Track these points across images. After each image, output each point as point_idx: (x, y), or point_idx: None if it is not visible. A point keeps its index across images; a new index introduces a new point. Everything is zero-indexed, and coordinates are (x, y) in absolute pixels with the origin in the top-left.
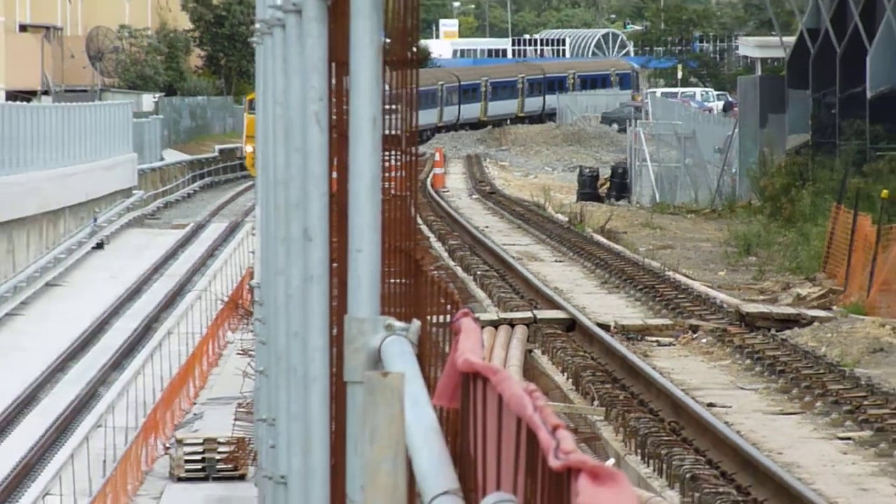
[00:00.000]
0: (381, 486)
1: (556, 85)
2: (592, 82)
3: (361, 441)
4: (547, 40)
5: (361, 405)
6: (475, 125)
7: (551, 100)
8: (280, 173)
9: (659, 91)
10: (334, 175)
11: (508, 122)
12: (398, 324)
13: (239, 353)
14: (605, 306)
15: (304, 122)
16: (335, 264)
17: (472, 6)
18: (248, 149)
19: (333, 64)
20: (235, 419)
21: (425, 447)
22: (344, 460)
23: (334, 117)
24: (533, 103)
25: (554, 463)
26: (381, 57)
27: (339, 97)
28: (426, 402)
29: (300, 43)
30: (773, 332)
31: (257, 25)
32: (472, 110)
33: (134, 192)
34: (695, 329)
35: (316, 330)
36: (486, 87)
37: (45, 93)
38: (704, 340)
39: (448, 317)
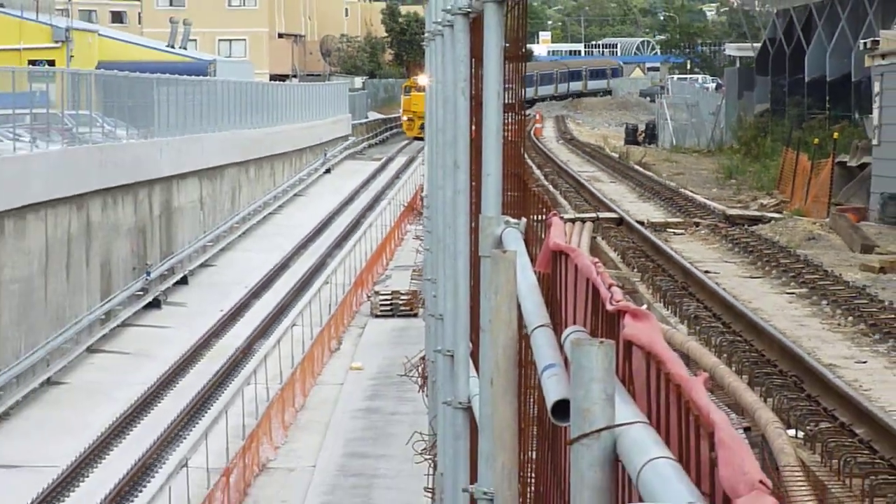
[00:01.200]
0: (501, 321)
1: (597, 74)
2: (601, 73)
3: (489, 293)
4: (605, 45)
5: (490, 271)
6: (560, 97)
7: (593, 83)
8: (440, 125)
9: (675, 77)
10: (473, 127)
11: (577, 97)
12: (513, 220)
13: (414, 238)
14: (641, 210)
15: (455, 94)
16: (473, 182)
17: (560, 23)
18: (404, 118)
19: (473, 59)
20: (412, 279)
21: (529, 296)
22: (479, 304)
23: (473, 91)
24: (592, 84)
25: (609, 307)
26: (502, 54)
27: (476, 79)
28: (530, 269)
29: (453, 45)
30: (745, 226)
31: (426, 34)
32: (560, 88)
33: (349, 137)
34: (696, 224)
35: (461, 224)
36: (565, 74)
37: (294, 76)
38: (703, 231)
39: (543, 216)
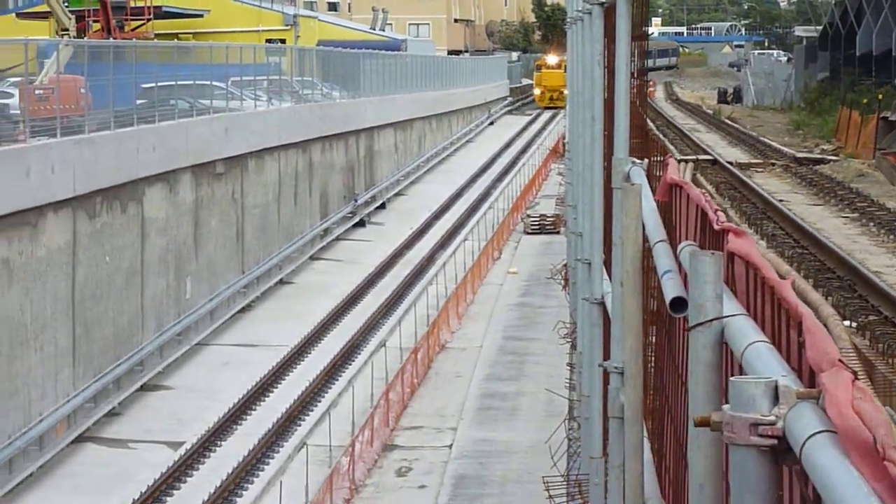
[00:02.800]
0: (630, 237)
1: (663, 53)
2: (665, 52)
3: (619, 214)
4: (702, 28)
5: (621, 199)
6: (668, 68)
7: (660, 60)
8: (579, 89)
9: (756, 52)
10: (605, 90)
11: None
12: (637, 161)
13: (557, 174)
14: (730, 154)
15: (592, 65)
16: (605, 133)
17: (668, 11)
18: (535, 91)
19: (605, 38)
20: (555, 205)
21: (650, 218)
22: (611, 224)
23: (606, 63)
24: (660, 61)
25: (716, 227)
26: (629, 34)
27: (609, 53)
28: (651, 198)
29: (591, 28)
30: (811, 166)
31: (568, 20)
32: (666, 62)
33: (507, 98)
34: (773, 164)
35: (597, 164)
36: (671, 50)
37: (466, 51)
38: (778, 170)
39: (660, 158)
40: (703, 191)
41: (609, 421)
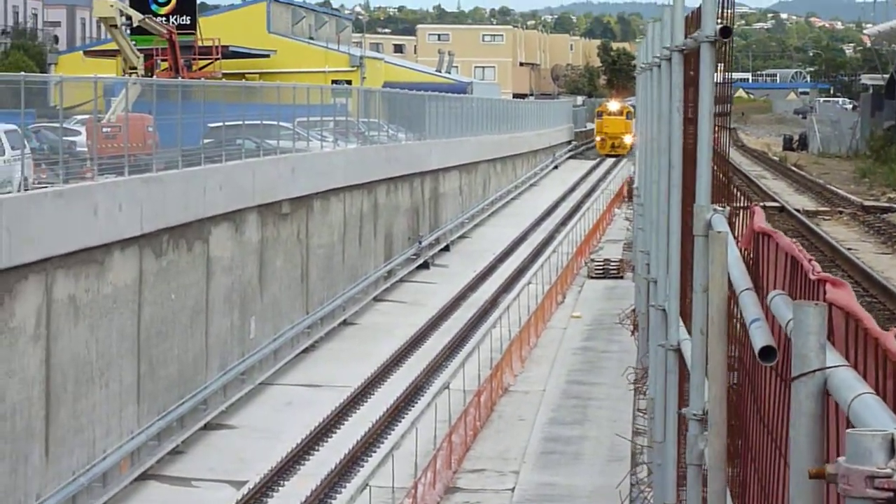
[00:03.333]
0: (716, 286)
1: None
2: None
3: (700, 261)
4: (767, 74)
5: (704, 246)
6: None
7: None
8: (654, 134)
9: (821, 99)
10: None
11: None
12: (719, 208)
13: (624, 219)
14: (797, 201)
15: (670, 111)
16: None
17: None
18: (597, 139)
19: (684, 84)
20: (623, 250)
21: (736, 266)
22: (686, 271)
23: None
24: None
25: (812, 277)
26: (713, 81)
27: (686, 100)
28: (735, 246)
29: (669, 74)
30: (878, 214)
31: (642, 65)
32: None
33: (572, 142)
34: (840, 212)
35: (674, 210)
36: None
37: (531, 95)
38: (845, 218)
39: (738, 205)
40: (795, 241)
41: (687, 468)
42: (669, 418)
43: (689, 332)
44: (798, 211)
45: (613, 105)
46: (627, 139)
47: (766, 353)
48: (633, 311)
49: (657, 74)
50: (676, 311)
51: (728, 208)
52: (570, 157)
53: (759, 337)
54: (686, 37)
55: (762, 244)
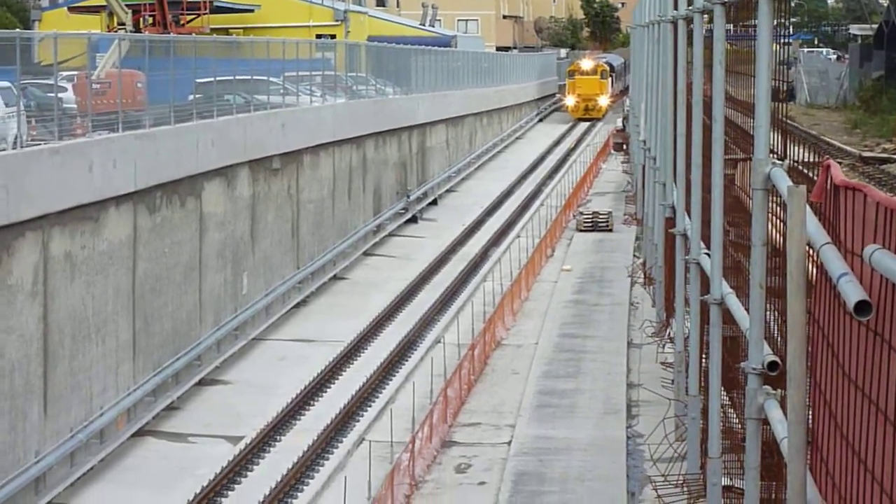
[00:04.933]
0: (795, 240)
1: None
2: None
3: (759, 216)
4: (748, 25)
5: (762, 202)
6: None
7: None
8: (667, 92)
9: (804, 50)
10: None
11: None
12: (778, 161)
13: (609, 171)
14: (793, 153)
15: (714, 65)
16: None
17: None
18: (568, 102)
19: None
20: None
21: (811, 221)
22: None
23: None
24: None
25: None
26: (771, 33)
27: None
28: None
29: (711, 27)
30: (877, 165)
31: (670, 16)
32: None
33: (556, 94)
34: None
35: (717, 165)
36: None
37: (514, 48)
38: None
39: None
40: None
41: (746, 422)
42: (715, 372)
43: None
44: (796, 163)
45: (586, 63)
46: (603, 101)
47: (861, 307)
48: (643, 263)
49: (669, 30)
50: (719, 265)
51: (787, 161)
52: (555, 110)
53: (853, 292)
54: None
55: (844, 198)
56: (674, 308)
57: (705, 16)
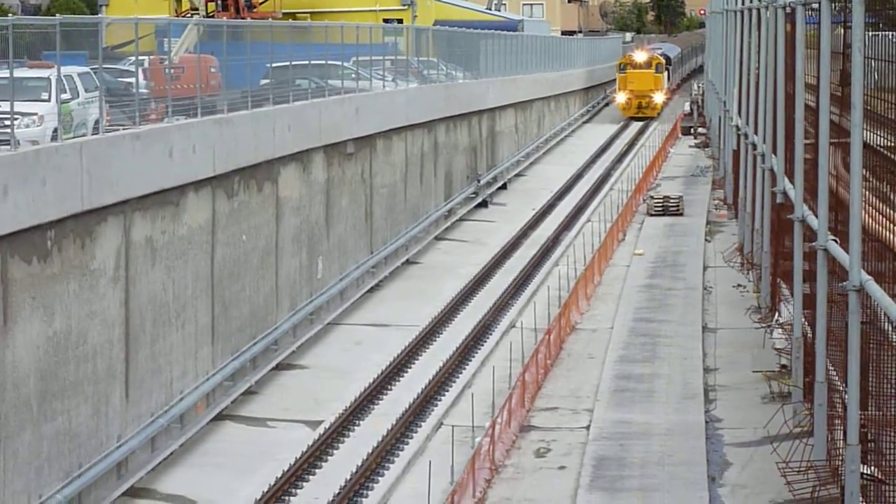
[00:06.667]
0: None
1: None
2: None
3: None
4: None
5: None
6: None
7: None
8: (798, 75)
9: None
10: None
11: None
12: None
13: (677, 155)
14: None
15: (854, 52)
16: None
17: None
18: (619, 98)
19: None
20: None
21: None
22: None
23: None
24: None
25: None
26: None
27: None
28: None
29: (854, 13)
30: None
31: (759, 4)
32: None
33: None
34: None
35: (856, 150)
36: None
37: (579, 32)
38: None
39: None
40: None
41: None
42: (855, 359)
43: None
44: None
45: (640, 55)
46: (658, 97)
47: None
48: (740, 248)
49: (780, 17)
50: (858, 252)
51: None
52: None
53: None
54: None
55: None
56: (781, 294)
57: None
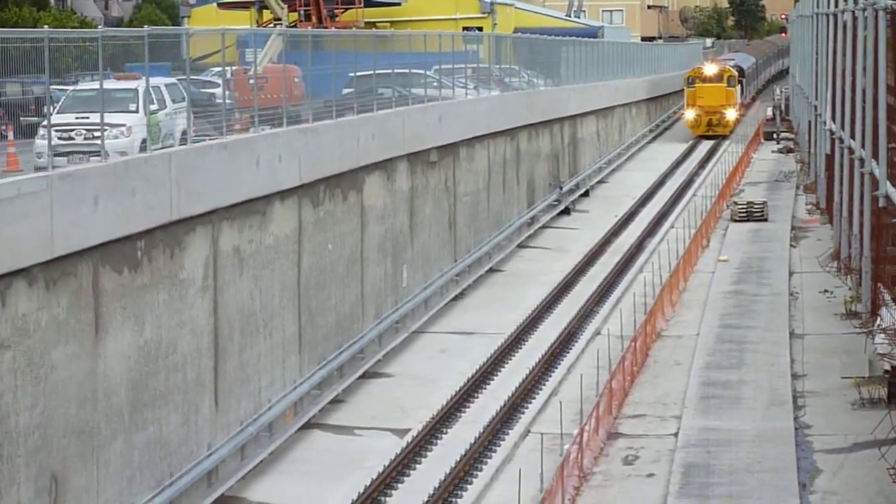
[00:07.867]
0: None
1: None
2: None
3: None
4: None
5: None
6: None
7: None
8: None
9: None
10: None
11: None
12: None
13: (760, 160)
14: None
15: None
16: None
17: None
18: (688, 115)
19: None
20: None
21: None
22: None
23: None
24: None
25: None
26: None
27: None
28: None
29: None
30: None
31: (843, 8)
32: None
33: None
34: None
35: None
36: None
37: (659, 38)
38: None
39: None
40: None
41: None
42: None
43: None
44: None
45: (710, 68)
46: (730, 114)
47: None
48: (836, 253)
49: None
50: None
51: None
52: None
53: None
54: None
55: None
56: (882, 299)
57: None
